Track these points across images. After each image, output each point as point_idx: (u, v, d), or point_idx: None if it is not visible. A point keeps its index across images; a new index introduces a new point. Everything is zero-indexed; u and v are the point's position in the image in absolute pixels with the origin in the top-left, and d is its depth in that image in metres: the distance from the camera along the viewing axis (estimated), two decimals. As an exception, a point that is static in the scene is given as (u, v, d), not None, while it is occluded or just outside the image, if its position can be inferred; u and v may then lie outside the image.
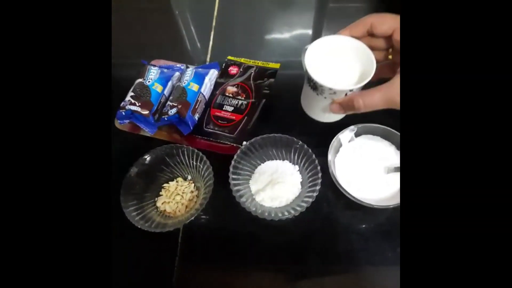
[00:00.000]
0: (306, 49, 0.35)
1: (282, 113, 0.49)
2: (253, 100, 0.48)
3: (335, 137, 0.41)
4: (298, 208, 0.37)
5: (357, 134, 0.43)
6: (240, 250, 0.40)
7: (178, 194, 0.42)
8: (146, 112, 0.45)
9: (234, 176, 0.39)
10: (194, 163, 0.42)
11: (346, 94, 0.35)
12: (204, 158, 0.40)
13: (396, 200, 0.37)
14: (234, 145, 0.45)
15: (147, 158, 0.41)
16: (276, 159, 0.43)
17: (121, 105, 0.45)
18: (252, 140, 0.41)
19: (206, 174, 0.40)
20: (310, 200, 0.37)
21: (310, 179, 0.40)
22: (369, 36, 0.35)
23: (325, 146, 0.42)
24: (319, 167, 0.39)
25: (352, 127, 0.42)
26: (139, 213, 0.38)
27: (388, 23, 0.33)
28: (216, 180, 0.39)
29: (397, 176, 0.40)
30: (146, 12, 0.67)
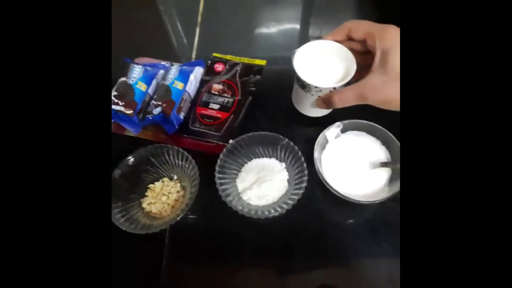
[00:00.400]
0: (295, 52, 0.40)
1: (269, 111, 0.49)
2: (239, 97, 0.48)
3: (321, 134, 0.41)
4: (285, 206, 0.37)
5: (343, 131, 0.43)
6: (228, 249, 0.40)
7: (164, 194, 0.41)
8: (130, 111, 0.44)
9: (220, 175, 0.39)
10: (180, 162, 0.41)
11: (330, 91, 0.39)
12: (190, 157, 0.40)
13: (382, 195, 0.38)
14: (221, 143, 0.44)
15: (131, 159, 0.40)
16: (263, 157, 0.43)
17: (104, 104, 0.44)
18: (238, 138, 0.41)
19: (192, 173, 0.40)
20: (296, 197, 0.37)
21: (297, 176, 0.40)
22: (349, 40, 0.38)
23: (311, 143, 0.42)
24: (305, 164, 0.39)
25: (338, 123, 0.42)
26: (124, 215, 0.38)
27: (362, 30, 0.35)
28: (203, 179, 0.39)
29: (382, 172, 0.40)
30: (130, 8, 0.65)
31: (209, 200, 0.42)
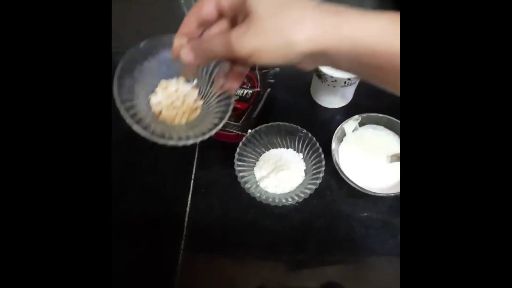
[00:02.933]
0: None
1: (287, 102, 0.50)
2: (258, 89, 0.49)
3: (339, 126, 0.42)
4: (302, 195, 0.38)
5: (361, 124, 0.43)
6: (243, 237, 0.41)
7: (179, 97, 0.32)
8: (152, 99, 0.45)
9: (239, 163, 0.40)
10: (210, 68, 0.31)
11: (345, 82, 0.42)
12: (223, 67, 0.28)
13: (398, 189, 0.38)
14: (239, 133, 0.45)
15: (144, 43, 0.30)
16: (281, 147, 0.44)
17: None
18: (257, 128, 0.42)
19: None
20: (314, 187, 0.38)
21: (314, 167, 0.40)
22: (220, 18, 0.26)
23: (329, 135, 0.42)
24: (323, 155, 0.39)
25: (356, 116, 0.42)
26: (133, 114, 0.28)
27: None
28: (221, 168, 0.40)
29: (399, 165, 0.41)
30: (151, 2, 0.67)
31: (226, 188, 0.43)
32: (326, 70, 0.41)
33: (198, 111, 0.33)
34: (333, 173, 0.42)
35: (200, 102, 0.33)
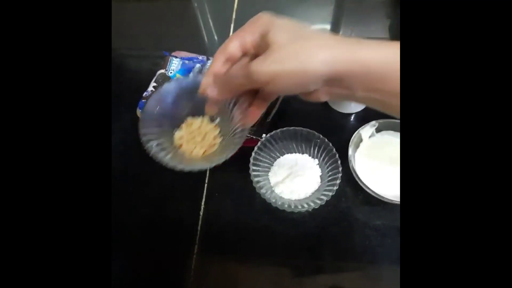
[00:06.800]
0: None
1: (302, 107, 0.50)
2: (272, 93, 0.49)
3: (356, 132, 0.41)
4: (318, 201, 0.37)
5: (378, 130, 0.43)
6: (257, 241, 0.41)
7: (200, 134, 0.36)
8: (167, 102, 0.45)
9: (254, 167, 0.40)
10: (230, 106, 0.33)
11: None
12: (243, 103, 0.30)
13: (416, 197, 0.37)
14: (254, 137, 0.45)
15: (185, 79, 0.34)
16: (296, 153, 0.44)
17: (144, 95, 0.46)
18: (273, 132, 0.42)
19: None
20: (330, 194, 0.37)
21: (330, 173, 0.40)
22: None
23: (343, 140, 0.42)
24: (339, 161, 0.39)
25: (373, 122, 0.42)
26: (158, 144, 0.32)
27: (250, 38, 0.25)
28: (235, 172, 0.40)
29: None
30: (165, 3, 0.67)
31: (240, 193, 0.43)
32: None
33: (216, 147, 0.36)
34: (348, 180, 0.41)
35: (219, 140, 0.36)
